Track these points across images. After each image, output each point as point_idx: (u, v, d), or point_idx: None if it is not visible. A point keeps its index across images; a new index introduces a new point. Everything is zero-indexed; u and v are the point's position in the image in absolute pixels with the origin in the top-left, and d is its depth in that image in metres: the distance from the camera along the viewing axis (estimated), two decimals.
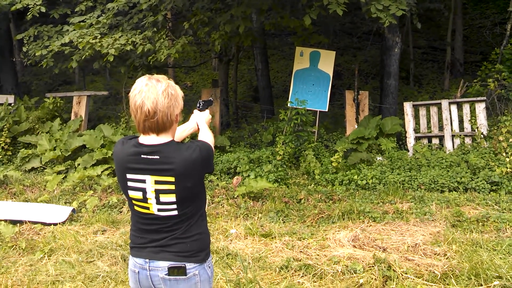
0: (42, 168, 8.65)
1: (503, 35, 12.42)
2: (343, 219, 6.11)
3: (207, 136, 2.73)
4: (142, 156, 2.31)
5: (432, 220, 6.01)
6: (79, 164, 8.25)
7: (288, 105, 8.84)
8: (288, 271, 4.61)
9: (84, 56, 7.98)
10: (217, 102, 9.27)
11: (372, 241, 5.29)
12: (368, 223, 5.99)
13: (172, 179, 2.29)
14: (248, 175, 7.72)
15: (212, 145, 2.58)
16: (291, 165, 8.43)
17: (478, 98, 8.66)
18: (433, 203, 6.56)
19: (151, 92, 2.29)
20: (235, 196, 6.91)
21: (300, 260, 4.79)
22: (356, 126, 9.02)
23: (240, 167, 7.90)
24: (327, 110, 9.14)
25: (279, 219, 6.26)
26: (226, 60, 11.11)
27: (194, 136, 3.35)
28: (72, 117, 9.77)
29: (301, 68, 9.12)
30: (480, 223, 5.84)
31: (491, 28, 17.07)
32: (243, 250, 5.09)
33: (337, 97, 13.02)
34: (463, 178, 7.22)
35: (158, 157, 2.29)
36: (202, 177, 2.43)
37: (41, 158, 8.64)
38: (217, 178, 7.93)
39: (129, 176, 2.36)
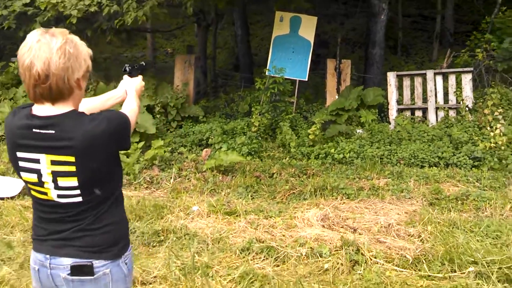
0: (4, 137, 8.15)
1: (495, 4, 11.94)
2: (315, 196, 5.76)
3: (129, 106, 2.28)
4: (33, 130, 1.86)
5: (409, 198, 5.68)
6: None
7: (266, 73, 8.35)
8: (249, 253, 4.25)
9: (46, 18, 7.38)
10: (191, 69, 8.76)
11: (343, 220, 4.95)
12: (341, 200, 5.65)
13: (72, 158, 1.84)
14: (220, 147, 7.32)
15: (133, 117, 2.14)
16: (267, 137, 8.02)
17: (465, 69, 8.25)
18: (412, 179, 6.23)
19: (42, 50, 1.82)
20: (204, 170, 6.51)
21: (263, 242, 4.43)
22: (336, 97, 8.59)
23: (212, 139, 7.48)
24: (307, 79, 8.68)
25: (248, 195, 5.89)
26: (205, 25, 10.54)
27: None
28: None
29: (281, 34, 8.60)
30: (460, 202, 5.53)
31: None
32: (203, 230, 4.72)
33: (321, 66, 12.51)
34: (445, 153, 6.87)
35: (53, 131, 1.84)
36: (113, 155, 1.98)
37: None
38: (188, 150, 7.51)
39: (19, 154, 1.91)
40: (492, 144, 6.90)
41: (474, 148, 6.87)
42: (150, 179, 6.44)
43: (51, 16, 7.24)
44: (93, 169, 1.88)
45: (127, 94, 2.45)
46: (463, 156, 6.80)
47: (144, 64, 2.65)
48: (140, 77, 2.56)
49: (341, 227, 4.80)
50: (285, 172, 6.60)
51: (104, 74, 12.38)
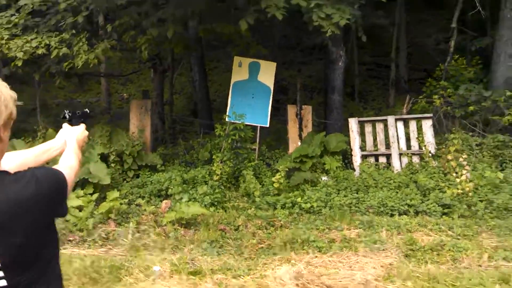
0: None
1: (446, 52, 12.38)
2: (285, 250, 5.39)
3: (66, 160, 1.88)
4: None
5: (383, 250, 5.40)
6: None
7: (226, 119, 8.08)
8: None
9: None
10: (147, 115, 8.36)
11: (317, 277, 4.58)
12: (313, 254, 5.30)
13: None
14: (181, 198, 6.86)
15: (71, 175, 1.75)
16: (230, 186, 7.64)
17: (425, 115, 8.29)
18: (383, 229, 5.98)
19: None
20: (164, 224, 6.03)
21: None
22: (299, 143, 8.39)
23: (172, 189, 7.03)
24: (268, 125, 8.46)
25: (213, 250, 5.45)
26: (161, 70, 10.25)
27: None
28: None
29: (240, 79, 8.42)
30: (435, 252, 5.30)
31: (434, 46, 17.24)
32: None
33: (281, 112, 12.43)
34: (413, 200, 6.72)
35: None
36: (45, 225, 1.54)
37: None
38: (146, 202, 7.00)
39: None
40: (459, 191, 6.81)
41: (442, 195, 6.75)
42: (105, 235, 5.88)
43: None
44: (17, 246, 1.43)
45: (66, 146, 2.05)
46: (432, 204, 6.66)
47: (88, 111, 2.27)
48: (82, 125, 2.18)
49: (317, 286, 4.44)
50: (251, 224, 6.21)
51: (55, 119, 11.78)
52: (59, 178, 1.57)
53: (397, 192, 6.98)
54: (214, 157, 7.65)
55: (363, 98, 14.49)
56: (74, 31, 7.11)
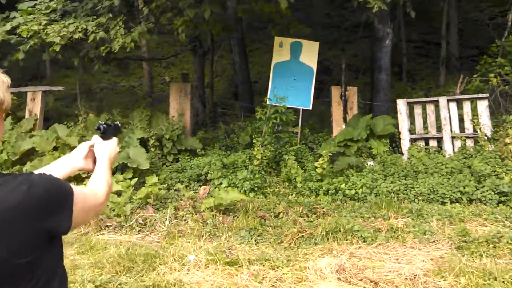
0: None
1: (502, 27, 11.53)
2: (327, 240, 5.11)
3: (96, 181, 1.67)
4: None
5: (433, 241, 5.03)
6: (27, 170, 7.16)
7: (267, 102, 7.80)
8: None
9: (29, 46, 6.88)
10: (187, 99, 8.21)
11: (361, 271, 4.29)
12: (357, 244, 5.00)
13: None
14: (220, 183, 6.70)
15: (101, 196, 1.57)
16: (270, 171, 7.40)
17: (480, 95, 7.70)
18: (434, 219, 5.58)
19: None
20: (202, 210, 5.88)
21: None
22: (343, 126, 8.02)
23: (211, 174, 6.87)
24: (310, 108, 8.13)
25: (251, 239, 5.25)
26: (201, 53, 10.06)
27: None
28: (26, 116, 8.66)
29: (281, 60, 8.10)
30: (491, 245, 4.87)
31: (488, 21, 16.20)
32: (200, 285, 4.06)
33: (325, 94, 12.01)
34: (467, 188, 6.25)
35: None
36: (38, 238, 1.29)
37: None
38: (185, 187, 6.88)
39: None
40: None
41: (499, 182, 6.25)
42: (143, 221, 5.80)
43: (34, 44, 6.74)
44: (3, 259, 1.22)
45: (97, 163, 1.81)
46: (487, 191, 6.18)
47: (119, 125, 2.05)
48: (115, 139, 1.95)
49: (360, 280, 4.14)
50: (292, 211, 5.96)
51: (97, 105, 11.89)
52: (62, 187, 1.34)
53: (449, 179, 6.53)
54: (254, 141, 7.42)
55: (412, 77, 13.81)
56: (110, 15, 6.98)
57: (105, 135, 1.91)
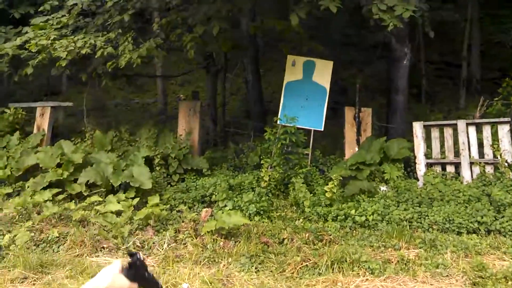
0: None
1: None
2: (332, 270, 4.80)
3: None
4: None
5: (447, 276, 4.67)
6: (28, 186, 7.04)
7: (278, 122, 7.56)
8: None
9: (37, 61, 6.81)
10: (196, 117, 8.03)
11: None
12: (363, 276, 4.67)
13: None
14: (225, 206, 6.45)
15: None
16: (278, 194, 7.12)
17: (501, 119, 7.34)
18: (448, 250, 5.22)
19: None
20: (202, 234, 5.62)
21: None
22: (356, 149, 7.72)
23: (216, 195, 6.63)
24: (322, 129, 7.85)
25: (252, 266, 4.96)
26: (214, 70, 9.92)
27: None
28: (35, 131, 8.59)
29: (293, 80, 7.88)
30: (510, 281, 4.49)
31: (511, 43, 15.79)
32: None
33: (340, 114, 11.73)
34: (485, 217, 5.87)
35: None
36: None
37: None
38: (189, 208, 6.65)
39: None
40: None
41: None
42: (141, 243, 5.56)
43: (42, 59, 6.66)
44: None
45: None
46: (507, 222, 5.79)
47: (146, 265, 1.73)
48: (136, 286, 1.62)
49: None
50: (297, 238, 5.66)
51: (108, 121, 11.81)
52: None
53: (466, 207, 6.16)
54: (262, 162, 7.17)
55: (431, 99, 13.43)
56: (120, 31, 6.89)
57: (130, 272, 1.59)
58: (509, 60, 15.32)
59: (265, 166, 7.05)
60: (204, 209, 6.14)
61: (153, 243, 5.54)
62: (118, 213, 6.12)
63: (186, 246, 5.47)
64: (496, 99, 8.63)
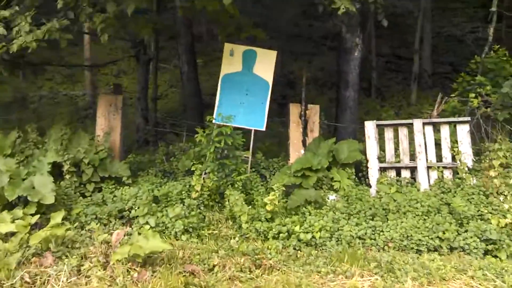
0: None
1: (480, 43, 10.68)
2: None
3: None
4: None
5: None
6: None
7: (213, 121, 6.53)
8: None
9: None
10: (117, 115, 6.86)
11: None
12: None
13: None
14: (146, 223, 5.37)
15: None
16: (213, 205, 6.10)
17: (462, 119, 6.65)
18: (408, 277, 4.39)
19: None
20: (113, 263, 4.52)
21: None
22: (302, 152, 6.82)
23: (135, 210, 5.53)
24: (264, 128, 6.89)
25: None
26: (145, 59, 8.75)
27: None
28: None
29: (231, 72, 6.86)
30: None
31: (461, 37, 15.49)
32: None
33: (286, 111, 10.85)
34: (447, 233, 5.12)
35: None
36: None
37: None
38: (104, 225, 5.52)
39: None
40: (508, 220, 5.19)
41: (485, 226, 5.14)
42: (31, 278, 4.39)
43: None
44: None
45: None
46: (471, 237, 5.07)
47: None
48: None
49: None
50: (230, 263, 4.67)
51: (27, 116, 10.40)
52: None
53: (425, 220, 5.39)
54: (193, 168, 6.13)
55: (381, 94, 12.81)
56: (18, 8, 5.62)
57: None
58: (460, 54, 15.00)
59: (196, 173, 6.01)
60: (116, 231, 5.01)
61: (48, 276, 4.39)
62: (9, 237, 4.91)
63: (91, 279, 4.35)
64: (452, 95, 7.95)
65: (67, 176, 6.08)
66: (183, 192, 5.97)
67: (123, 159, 6.81)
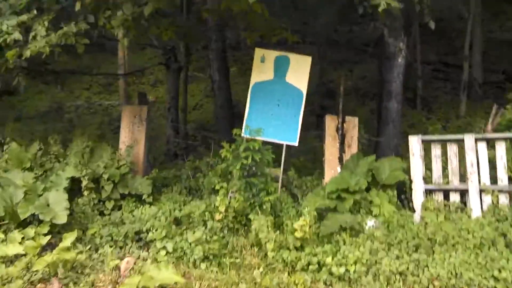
0: None
1: None
2: None
3: None
4: None
5: None
6: None
7: (242, 134, 6.03)
8: None
9: None
10: (142, 126, 6.49)
11: None
12: None
13: None
14: (164, 247, 4.93)
15: None
16: (238, 228, 5.58)
17: None
18: None
19: None
20: None
21: None
22: (339, 169, 6.23)
23: (153, 232, 5.10)
24: (297, 143, 6.34)
25: None
26: (176, 67, 8.39)
27: None
28: None
29: (262, 80, 6.36)
30: None
31: None
32: None
33: (323, 123, 10.24)
34: (503, 271, 4.39)
35: None
36: None
37: None
38: (119, 249, 5.12)
39: None
40: None
41: None
42: None
43: None
44: None
45: None
46: None
47: None
48: None
49: None
50: None
51: (62, 126, 10.29)
52: None
53: (477, 254, 4.68)
54: (217, 187, 5.65)
55: (427, 105, 11.96)
56: (36, 12, 5.35)
57: None
58: None
59: (221, 193, 5.53)
60: (125, 259, 4.60)
61: None
62: (15, 259, 4.59)
63: None
64: (509, 106, 7.14)
65: (86, 193, 5.74)
66: (206, 213, 5.51)
67: (147, 174, 6.41)
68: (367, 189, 5.75)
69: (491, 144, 6.02)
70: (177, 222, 5.45)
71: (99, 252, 4.98)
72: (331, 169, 6.28)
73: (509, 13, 16.62)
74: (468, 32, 11.26)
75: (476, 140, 5.92)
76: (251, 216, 5.25)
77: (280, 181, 6.17)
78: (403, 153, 7.72)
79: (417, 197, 5.79)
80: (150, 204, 5.84)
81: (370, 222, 5.39)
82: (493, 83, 12.77)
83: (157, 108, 12.93)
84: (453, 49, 14.50)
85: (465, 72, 11.24)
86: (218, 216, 5.41)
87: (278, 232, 5.16)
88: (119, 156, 6.25)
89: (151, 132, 10.71)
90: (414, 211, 5.73)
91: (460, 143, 6.03)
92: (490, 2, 13.32)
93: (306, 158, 7.72)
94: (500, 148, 5.85)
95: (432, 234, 4.98)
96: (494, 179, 5.79)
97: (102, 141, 8.83)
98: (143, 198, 5.88)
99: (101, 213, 5.81)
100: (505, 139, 5.90)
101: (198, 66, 14.86)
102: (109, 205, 5.83)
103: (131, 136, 6.48)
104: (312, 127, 10.86)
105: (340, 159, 6.39)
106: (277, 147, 6.36)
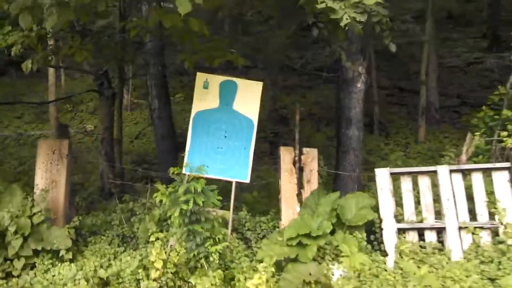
0: None
1: (481, 75, 9.40)
2: None
3: None
4: None
5: None
6: None
7: (183, 172, 5.07)
8: None
9: None
10: (62, 164, 5.39)
11: None
12: None
13: None
14: None
15: None
16: (180, 285, 4.58)
17: (499, 165, 5.22)
18: None
19: None
20: None
21: None
22: (298, 209, 5.36)
23: None
24: (248, 180, 5.43)
25: None
26: (110, 94, 7.37)
27: None
28: None
29: (205, 108, 5.47)
30: None
31: (465, 67, 14.42)
32: None
33: (277, 155, 9.43)
34: None
35: None
36: None
37: None
38: None
39: None
40: None
41: None
42: None
43: None
44: None
45: None
46: None
47: None
48: None
49: None
50: None
51: None
52: None
53: None
54: (152, 238, 4.63)
55: (384, 130, 11.43)
56: None
57: None
58: (466, 85, 13.79)
59: (157, 245, 4.51)
60: None
61: None
62: None
63: None
64: (476, 133, 6.57)
65: None
66: (139, 271, 4.46)
67: (70, 222, 5.29)
68: (332, 232, 4.90)
69: (466, 175, 5.37)
70: (104, 283, 4.38)
71: None
72: (289, 209, 5.40)
73: (457, 40, 16.75)
74: (424, 57, 10.90)
75: (450, 171, 5.24)
76: (192, 280, 4.25)
77: (230, 223, 5.22)
78: (365, 183, 7.01)
79: (389, 238, 5.00)
80: (70, 261, 4.72)
81: (337, 272, 4.53)
82: (449, 107, 12.49)
83: (95, 137, 11.76)
84: (406, 74, 14.27)
85: (422, 96, 10.81)
86: (154, 274, 4.39)
87: None
88: (31, 202, 5.11)
89: (85, 167, 9.64)
90: (386, 254, 4.92)
91: (432, 175, 5.34)
92: (439, 28, 13.19)
93: (260, 191, 6.82)
94: (477, 180, 5.19)
95: (408, 282, 4.17)
96: (472, 215, 5.12)
97: (22, 180, 7.65)
98: (59, 254, 4.76)
99: (8, 275, 4.64)
100: (481, 169, 5.24)
101: (142, 92, 13.85)
102: (18, 264, 4.67)
103: (49, 176, 5.36)
104: (265, 155, 10.05)
105: (299, 195, 5.53)
106: (225, 181, 5.47)
